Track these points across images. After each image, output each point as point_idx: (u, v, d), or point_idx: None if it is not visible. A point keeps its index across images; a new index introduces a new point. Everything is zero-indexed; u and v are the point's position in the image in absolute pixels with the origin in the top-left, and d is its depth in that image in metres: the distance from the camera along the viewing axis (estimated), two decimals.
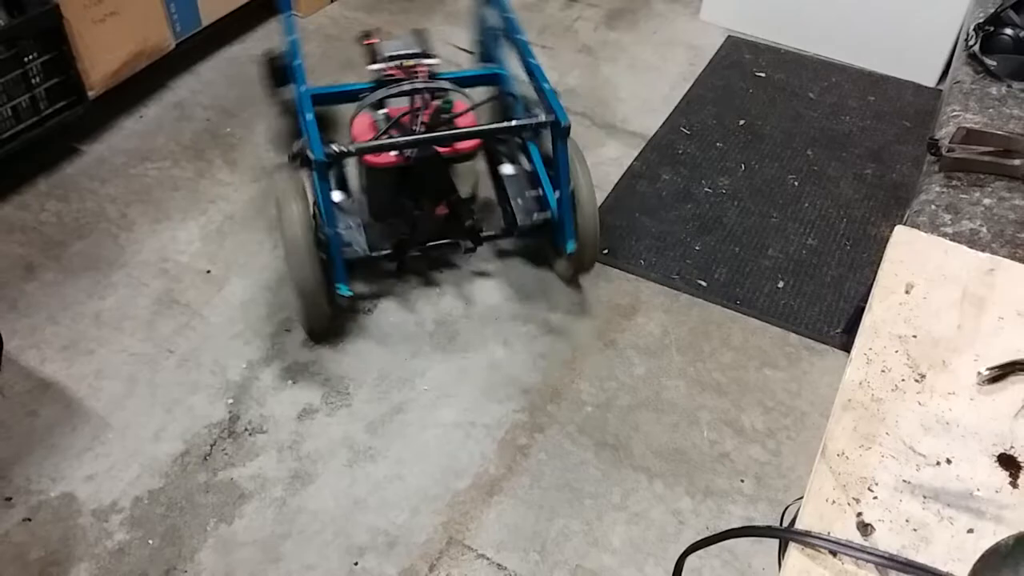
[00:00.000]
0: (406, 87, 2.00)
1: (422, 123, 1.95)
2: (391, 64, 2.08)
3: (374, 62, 2.10)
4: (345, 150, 1.80)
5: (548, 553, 1.66)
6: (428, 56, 2.11)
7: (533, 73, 2.02)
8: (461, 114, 2.01)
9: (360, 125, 2.01)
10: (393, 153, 1.93)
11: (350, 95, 2.11)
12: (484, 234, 2.05)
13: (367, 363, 1.98)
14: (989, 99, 1.79)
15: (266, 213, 2.33)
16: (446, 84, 2.03)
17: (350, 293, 1.91)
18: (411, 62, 2.08)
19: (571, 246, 1.99)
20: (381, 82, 2.05)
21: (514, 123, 1.93)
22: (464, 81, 2.14)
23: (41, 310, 2.05)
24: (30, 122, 2.26)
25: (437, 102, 2.00)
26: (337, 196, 2.01)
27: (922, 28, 2.82)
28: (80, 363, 1.94)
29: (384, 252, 2.00)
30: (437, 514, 1.71)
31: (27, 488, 1.72)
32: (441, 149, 1.96)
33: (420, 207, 2.01)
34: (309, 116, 1.89)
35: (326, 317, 1.97)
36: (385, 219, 2.07)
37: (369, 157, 1.95)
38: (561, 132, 1.89)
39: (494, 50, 2.31)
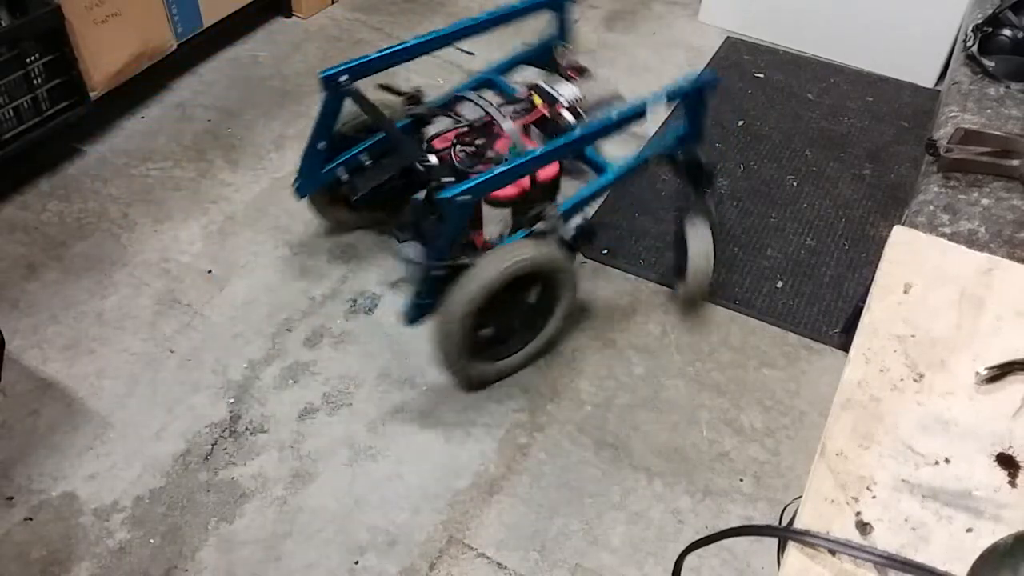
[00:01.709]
0: (479, 103, 1.97)
1: (473, 145, 1.92)
2: (531, 90, 2.05)
3: (530, 85, 2.07)
4: (345, 85, 1.88)
5: (548, 552, 1.67)
6: (573, 112, 1.99)
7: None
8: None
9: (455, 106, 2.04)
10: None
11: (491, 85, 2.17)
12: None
13: (367, 362, 1.99)
14: (987, 100, 1.79)
15: (267, 213, 2.33)
16: (508, 127, 1.93)
17: (296, 186, 2.04)
18: (542, 101, 2.00)
19: (404, 311, 1.86)
20: (516, 100, 2.06)
21: (418, 164, 1.86)
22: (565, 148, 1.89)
23: (43, 310, 2.05)
24: (32, 123, 2.26)
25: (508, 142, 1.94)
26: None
27: (920, 29, 2.83)
28: (81, 362, 1.95)
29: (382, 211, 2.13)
30: (437, 513, 1.72)
31: (28, 487, 1.72)
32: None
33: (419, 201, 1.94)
34: (376, 52, 1.92)
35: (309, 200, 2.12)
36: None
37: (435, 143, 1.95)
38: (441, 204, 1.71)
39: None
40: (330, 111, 1.95)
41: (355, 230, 2.29)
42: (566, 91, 2.03)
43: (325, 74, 1.87)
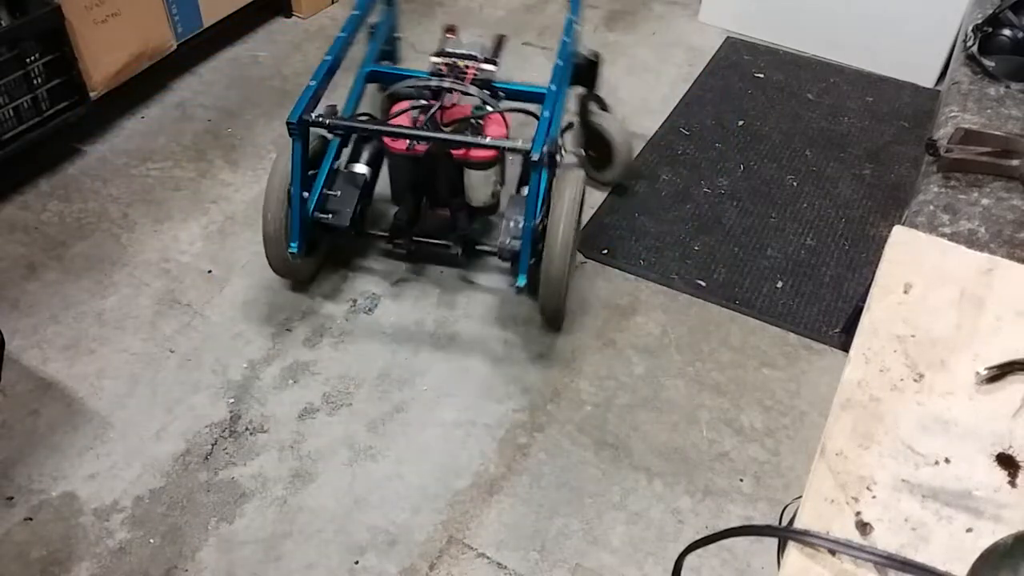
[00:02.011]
0: (432, 83, 2.02)
1: (437, 122, 1.97)
2: (445, 60, 2.10)
3: (437, 54, 2.12)
4: (320, 120, 1.87)
5: (548, 552, 1.67)
6: (488, 62, 2.10)
7: (545, 97, 1.99)
8: (467, 119, 1.99)
9: (398, 109, 2.04)
10: (404, 142, 1.96)
11: (403, 79, 2.13)
12: (478, 247, 2.07)
13: (367, 362, 1.99)
14: (987, 100, 1.79)
15: None
16: (473, 90, 2.01)
17: (294, 251, 1.95)
18: (465, 63, 2.09)
19: (520, 280, 1.90)
20: (434, 74, 2.07)
21: (488, 141, 1.88)
22: (514, 93, 2.11)
23: (43, 310, 2.05)
24: (32, 122, 2.27)
25: (470, 106, 2.02)
26: (360, 168, 2.08)
27: (920, 29, 2.83)
28: (81, 362, 1.95)
29: (372, 232, 2.10)
30: (437, 513, 1.72)
31: (28, 487, 1.72)
32: (455, 153, 1.95)
33: (420, 201, 2.07)
34: (312, 83, 1.93)
35: (286, 262, 2.02)
36: (396, 203, 2.11)
37: (387, 141, 1.99)
38: (530, 163, 1.82)
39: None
40: (304, 154, 1.93)
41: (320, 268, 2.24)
42: (472, 47, 2.12)
43: (295, 118, 1.85)
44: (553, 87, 2.00)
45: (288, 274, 2.11)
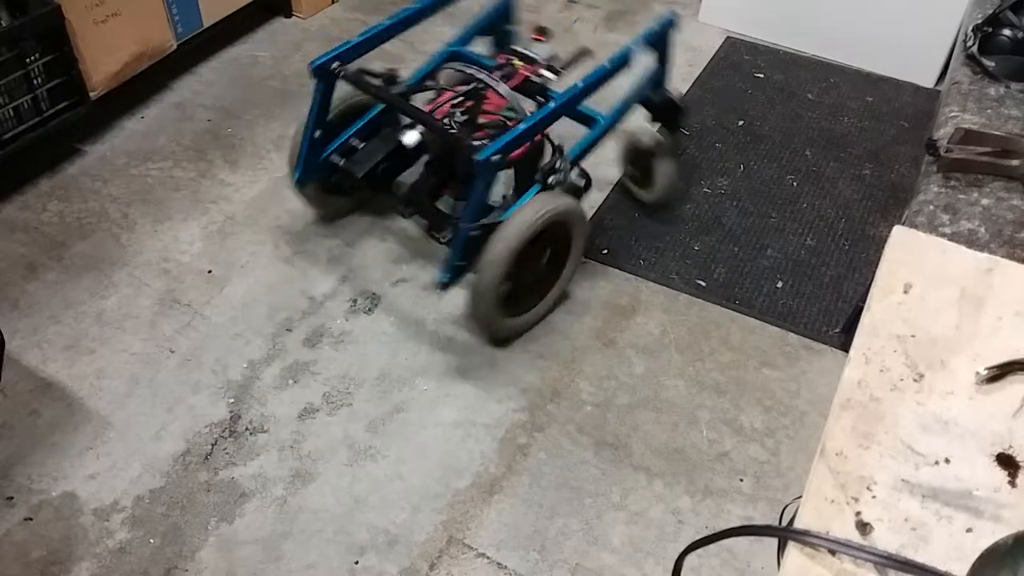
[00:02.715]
0: (469, 72, 2.04)
1: (464, 113, 1.98)
2: (508, 54, 2.13)
3: (506, 51, 2.16)
4: (340, 71, 1.94)
5: (548, 552, 1.67)
6: (551, 70, 2.10)
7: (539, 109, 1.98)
8: (501, 119, 1.99)
9: (448, 93, 2.06)
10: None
11: (472, 63, 2.14)
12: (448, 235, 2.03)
13: (367, 363, 1.99)
14: (987, 100, 1.79)
15: (267, 213, 2.33)
16: (503, 89, 1.99)
17: (295, 179, 2.09)
18: (522, 63, 2.11)
19: (440, 276, 1.92)
20: (499, 66, 2.10)
21: (453, 132, 1.90)
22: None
23: (43, 310, 2.05)
24: (32, 122, 2.27)
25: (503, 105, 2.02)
26: (408, 137, 2.04)
27: (921, 29, 2.83)
28: (82, 362, 1.95)
29: (383, 188, 2.14)
30: (437, 513, 1.72)
31: (28, 487, 1.72)
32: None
33: (430, 177, 2.08)
34: (357, 38, 2.00)
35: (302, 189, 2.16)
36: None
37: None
38: (472, 164, 1.78)
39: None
40: (323, 100, 2.00)
41: (346, 218, 2.32)
42: (541, 51, 2.12)
43: (317, 63, 1.93)
44: (552, 104, 1.93)
45: (310, 201, 2.25)
